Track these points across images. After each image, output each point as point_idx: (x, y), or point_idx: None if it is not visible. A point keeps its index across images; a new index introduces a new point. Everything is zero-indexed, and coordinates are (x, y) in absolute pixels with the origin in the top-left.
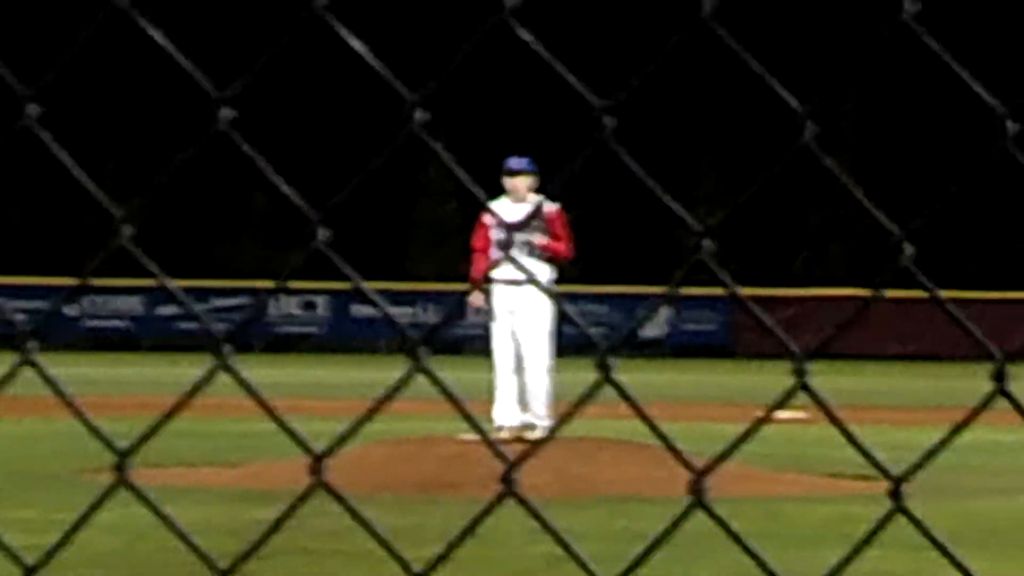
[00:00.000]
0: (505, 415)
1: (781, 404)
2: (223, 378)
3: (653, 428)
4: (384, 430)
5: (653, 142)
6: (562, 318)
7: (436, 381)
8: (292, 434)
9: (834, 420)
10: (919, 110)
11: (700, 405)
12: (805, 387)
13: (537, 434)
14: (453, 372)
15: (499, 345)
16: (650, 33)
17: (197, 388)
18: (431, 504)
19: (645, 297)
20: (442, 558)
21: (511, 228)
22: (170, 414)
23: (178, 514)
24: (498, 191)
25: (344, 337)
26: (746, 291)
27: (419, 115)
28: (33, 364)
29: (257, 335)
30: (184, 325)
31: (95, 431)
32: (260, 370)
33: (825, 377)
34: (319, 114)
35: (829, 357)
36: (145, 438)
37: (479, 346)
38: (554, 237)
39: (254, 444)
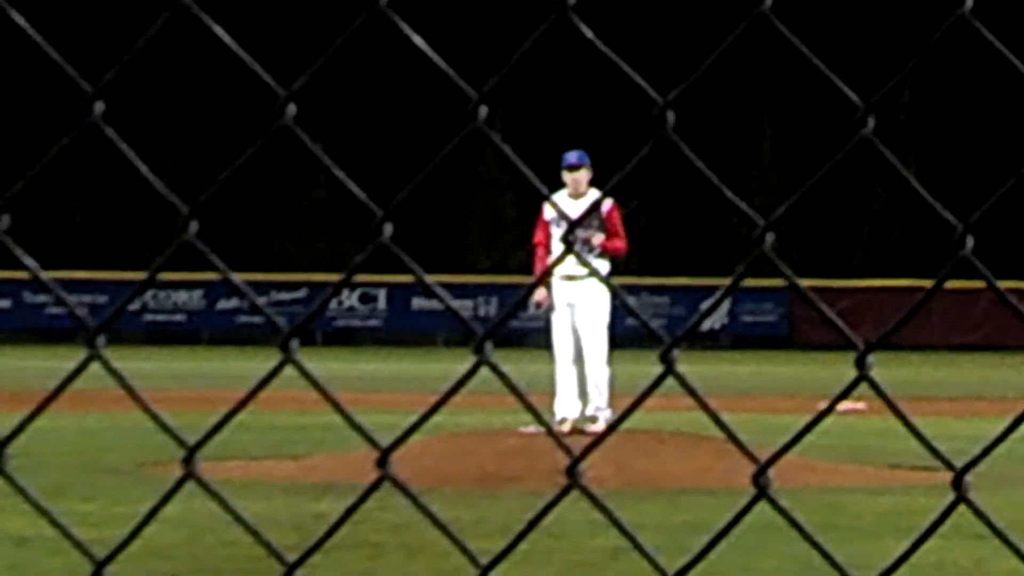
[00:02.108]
0: (566, 407)
1: (843, 396)
2: (283, 370)
3: (716, 420)
4: (444, 423)
5: (711, 131)
6: (624, 311)
7: (502, 376)
8: (358, 427)
9: (897, 412)
10: (975, 100)
11: (759, 396)
12: (868, 380)
13: (599, 425)
14: (513, 365)
15: (559, 338)
16: (708, 26)
17: (266, 381)
18: (492, 498)
19: (705, 288)
20: (509, 549)
21: (572, 224)
22: (239, 407)
23: (239, 508)
24: (553, 186)
25: (403, 330)
26: (805, 282)
27: (483, 111)
28: (103, 360)
29: (317, 328)
30: (243, 319)
31: (163, 425)
32: (320, 363)
33: (885, 368)
34: (376, 109)
35: (889, 348)
36: (214, 431)
37: (539, 339)
38: (612, 233)
39: (314, 437)
